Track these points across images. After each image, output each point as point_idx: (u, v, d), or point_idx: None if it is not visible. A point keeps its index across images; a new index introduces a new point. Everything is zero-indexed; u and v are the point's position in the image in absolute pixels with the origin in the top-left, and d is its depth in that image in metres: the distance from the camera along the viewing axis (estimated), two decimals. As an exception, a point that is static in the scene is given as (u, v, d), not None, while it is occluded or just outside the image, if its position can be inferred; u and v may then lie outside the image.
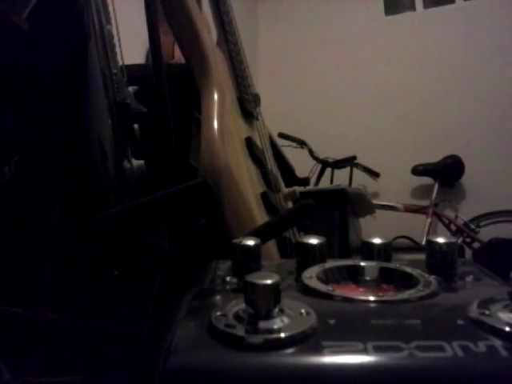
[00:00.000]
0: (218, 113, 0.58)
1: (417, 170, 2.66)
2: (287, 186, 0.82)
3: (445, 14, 2.86)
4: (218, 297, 0.28)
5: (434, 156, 2.62)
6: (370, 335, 0.21)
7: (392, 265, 0.31)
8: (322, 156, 2.46)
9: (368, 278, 0.30)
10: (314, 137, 2.56)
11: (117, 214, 0.38)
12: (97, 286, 0.41)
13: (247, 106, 0.70)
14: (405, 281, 0.29)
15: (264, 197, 0.62)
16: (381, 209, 2.42)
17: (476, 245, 2.38)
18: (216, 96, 0.59)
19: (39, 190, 0.39)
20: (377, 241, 0.33)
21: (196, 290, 0.28)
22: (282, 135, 2.24)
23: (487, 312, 0.23)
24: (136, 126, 0.49)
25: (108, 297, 0.42)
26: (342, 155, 2.45)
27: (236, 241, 0.32)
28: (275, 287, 0.22)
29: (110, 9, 0.47)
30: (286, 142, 2.24)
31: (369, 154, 2.63)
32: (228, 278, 0.30)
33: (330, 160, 2.46)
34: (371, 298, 0.25)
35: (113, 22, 0.47)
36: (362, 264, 0.31)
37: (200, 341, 0.21)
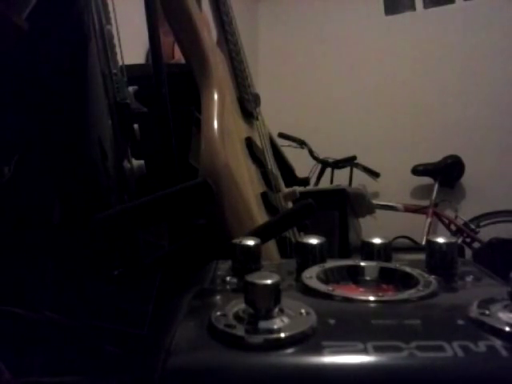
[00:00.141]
0: (218, 113, 0.58)
1: (417, 170, 2.66)
2: (287, 186, 0.82)
3: (445, 14, 2.86)
4: (218, 297, 0.28)
5: (434, 156, 2.62)
6: (369, 335, 0.21)
7: (392, 265, 0.31)
8: (322, 156, 2.46)
9: (368, 278, 0.30)
10: (314, 137, 2.56)
11: (117, 213, 0.38)
12: (97, 285, 0.41)
13: (247, 106, 0.70)
14: (405, 281, 0.29)
15: (264, 197, 0.62)
16: (381, 209, 2.42)
17: (476, 245, 2.38)
18: (216, 96, 0.59)
19: (39, 190, 0.39)
20: (377, 241, 0.33)
21: (196, 290, 0.28)
22: (281, 135, 2.24)
23: (487, 312, 0.23)
24: (136, 126, 0.49)
25: (108, 297, 0.42)
26: (342, 155, 2.45)
27: (236, 241, 0.32)
28: (275, 287, 0.22)
29: (110, 9, 0.47)
30: (286, 142, 2.24)
31: (369, 154, 2.63)
32: (228, 278, 0.30)
33: (330, 160, 2.46)
34: (371, 298, 0.25)
35: (113, 22, 0.47)
36: (362, 264, 0.31)
37: (200, 341, 0.21)
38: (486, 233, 2.35)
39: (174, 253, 0.46)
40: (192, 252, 0.46)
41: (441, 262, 0.31)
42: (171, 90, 0.55)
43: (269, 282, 0.22)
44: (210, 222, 0.53)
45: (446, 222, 2.56)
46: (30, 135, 0.38)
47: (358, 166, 2.47)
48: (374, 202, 2.07)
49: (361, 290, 0.29)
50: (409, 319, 0.23)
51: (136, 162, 0.50)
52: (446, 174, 2.64)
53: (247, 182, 0.58)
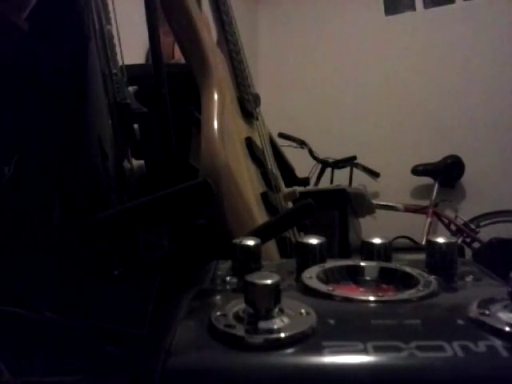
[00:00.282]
0: (218, 113, 0.58)
1: (417, 170, 2.66)
2: (287, 186, 0.82)
3: (445, 14, 2.86)
4: (218, 297, 0.28)
5: (434, 156, 2.62)
6: (369, 335, 0.21)
7: (392, 265, 0.31)
8: (322, 156, 2.46)
9: (368, 278, 0.30)
10: (314, 137, 2.56)
11: (117, 213, 0.38)
12: (97, 285, 0.41)
13: (247, 106, 0.70)
14: (405, 281, 0.29)
15: (264, 197, 0.62)
16: (381, 209, 2.42)
17: (476, 245, 2.38)
18: (216, 96, 0.59)
19: (39, 190, 0.39)
20: (377, 241, 0.33)
21: (196, 290, 0.28)
22: (281, 135, 2.24)
23: (487, 312, 0.23)
24: (136, 126, 0.49)
25: (108, 297, 0.42)
26: (342, 155, 2.45)
27: (236, 241, 0.32)
28: (275, 287, 0.22)
29: (110, 9, 0.47)
30: (286, 142, 2.24)
31: (369, 154, 2.63)
32: (228, 278, 0.30)
33: (330, 160, 2.46)
34: (371, 298, 0.25)
35: (113, 22, 0.47)
36: (362, 264, 0.31)
37: (200, 341, 0.21)
38: (486, 233, 2.35)
39: (174, 253, 0.46)
40: (192, 252, 0.46)
41: (441, 261, 0.31)
42: (171, 90, 0.55)
43: (269, 281, 0.22)
44: (210, 222, 0.53)
45: (446, 221, 2.56)
46: (30, 135, 0.38)
47: (358, 165, 2.47)
48: (374, 202, 2.07)
49: (361, 290, 0.29)
50: (409, 319, 0.23)
51: (136, 162, 0.50)
52: (446, 174, 2.64)
53: (247, 182, 0.58)
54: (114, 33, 0.47)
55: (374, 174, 2.48)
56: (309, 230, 0.68)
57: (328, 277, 0.30)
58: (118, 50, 0.48)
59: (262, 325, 0.21)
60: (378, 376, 0.19)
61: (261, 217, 0.57)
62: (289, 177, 0.91)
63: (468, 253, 2.15)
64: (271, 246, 0.56)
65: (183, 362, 0.20)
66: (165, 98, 0.55)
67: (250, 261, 0.31)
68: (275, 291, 0.22)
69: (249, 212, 0.55)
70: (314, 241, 0.32)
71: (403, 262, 0.31)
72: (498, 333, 0.21)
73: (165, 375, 0.19)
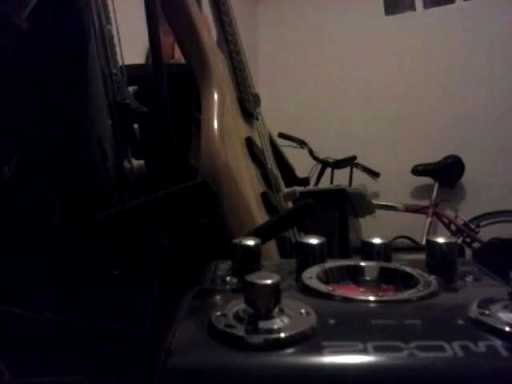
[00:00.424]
0: (218, 113, 0.58)
1: (417, 170, 2.66)
2: (287, 186, 0.82)
3: (445, 14, 2.86)
4: (218, 297, 0.28)
5: (434, 156, 2.62)
6: (370, 335, 0.21)
7: (392, 265, 0.31)
8: (322, 156, 2.46)
9: (368, 278, 0.30)
10: (314, 137, 2.56)
11: (117, 213, 0.38)
12: (97, 286, 0.41)
13: (247, 106, 0.70)
14: (405, 281, 0.29)
15: (264, 197, 0.62)
16: (381, 209, 2.42)
17: (476, 245, 2.38)
18: (216, 96, 0.59)
19: (39, 190, 0.39)
20: (377, 241, 0.33)
21: (196, 290, 0.28)
22: (281, 135, 2.24)
23: (487, 312, 0.23)
24: (136, 126, 0.49)
25: (108, 297, 0.42)
26: (342, 155, 2.45)
27: (236, 241, 0.32)
28: (275, 287, 0.22)
29: (110, 9, 0.47)
30: (286, 142, 2.24)
31: (369, 154, 2.63)
32: (228, 278, 0.30)
33: (330, 160, 2.46)
34: (371, 298, 0.25)
35: (113, 22, 0.47)
36: (362, 264, 0.31)
37: (200, 341, 0.21)
38: (486, 233, 2.35)
39: (174, 253, 0.46)
40: (192, 252, 0.46)
41: (441, 261, 0.31)
42: (171, 90, 0.55)
43: (269, 281, 0.22)
44: (210, 222, 0.53)
45: (446, 221, 2.56)
46: (30, 135, 0.38)
47: (358, 165, 2.47)
48: (374, 202, 2.07)
49: (361, 290, 0.29)
50: (409, 319, 0.23)
51: (136, 162, 0.50)
52: (446, 174, 2.64)
53: (247, 182, 0.58)
54: (114, 33, 0.47)
55: (374, 174, 2.48)
56: (309, 230, 0.68)
57: (328, 277, 0.30)
58: (118, 49, 0.48)
59: (262, 325, 0.21)
60: (378, 376, 0.19)
61: (261, 217, 0.57)
62: (289, 177, 0.91)
63: (468, 253, 2.15)
64: (271, 246, 0.56)
65: (183, 362, 0.20)
66: (165, 98, 0.55)
67: (250, 261, 0.31)
68: (275, 291, 0.22)
69: (249, 212, 0.55)
70: (314, 241, 0.32)
71: (403, 262, 0.31)
72: (498, 333, 0.21)
73: (165, 375, 0.19)
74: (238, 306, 0.23)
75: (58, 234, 0.39)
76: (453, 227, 2.53)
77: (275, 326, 0.21)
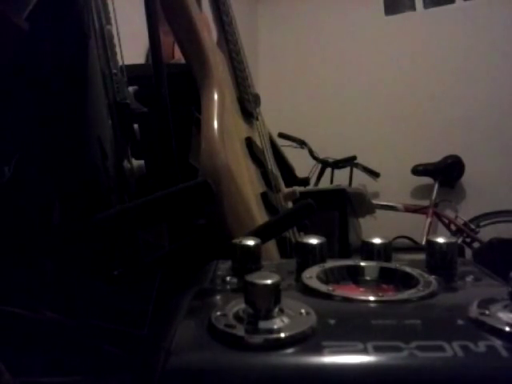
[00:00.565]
0: (218, 113, 0.58)
1: (417, 170, 2.66)
2: (287, 186, 0.82)
3: (445, 14, 2.86)
4: (218, 297, 0.28)
5: (434, 156, 2.62)
6: (370, 335, 0.21)
7: (392, 265, 0.31)
8: (322, 156, 2.46)
9: (368, 278, 0.30)
10: (314, 137, 2.56)
11: (117, 213, 0.38)
12: (97, 286, 0.41)
13: (247, 106, 0.70)
14: (405, 281, 0.29)
15: (264, 197, 0.62)
16: (381, 209, 2.42)
17: (476, 245, 2.38)
18: (216, 96, 0.59)
19: (39, 190, 0.39)
20: (377, 241, 0.33)
21: (196, 290, 0.28)
22: (281, 135, 2.24)
23: (487, 312, 0.23)
24: (136, 126, 0.49)
25: (108, 297, 0.42)
26: (342, 155, 2.45)
27: (236, 241, 0.32)
28: (275, 287, 0.22)
29: (110, 9, 0.47)
30: (286, 142, 2.24)
31: (369, 154, 2.63)
32: (228, 278, 0.30)
33: (330, 160, 2.46)
34: (371, 298, 0.25)
35: (113, 22, 0.47)
36: (362, 264, 0.31)
37: (200, 341, 0.21)
38: (486, 233, 2.35)
39: (174, 253, 0.46)
40: (192, 252, 0.46)
41: (441, 261, 0.31)
42: (171, 90, 0.55)
43: (269, 281, 0.22)
44: (209, 222, 0.53)
45: (446, 221, 2.56)
46: (30, 135, 0.38)
47: (358, 165, 2.47)
48: (374, 202, 2.07)
49: (361, 290, 0.29)
50: (409, 319, 0.23)
51: (136, 162, 0.50)
52: (446, 174, 2.64)
53: (247, 182, 0.58)
54: (114, 33, 0.47)
55: (374, 174, 2.48)
56: (309, 230, 0.68)
57: (328, 277, 0.30)
58: (118, 49, 0.48)
59: (262, 325, 0.21)
60: (378, 376, 0.19)
61: (261, 217, 0.57)
62: (289, 177, 0.91)
63: (468, 253, 2.15)
64: (271, 246, 0.56)
65: (183, 362, 0.20)
66: (165, 98, 0.55)
67: (250, 261, 0.31)
68: (275, 291, 0.22)
69: (249, 212, 0.55)
70: (314, 241, 0.32)
71: (403, 262, 0.31)
72: (498, 333, 0.21)
73: (165, 375, 0.19)
74: (238, 305, 0.23)
75: (58, 234, 0.39)
76: (453, 227, 2.53)
77: (275, 326, 0.21)
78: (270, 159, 0.76)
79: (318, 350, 0.20)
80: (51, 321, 0.36)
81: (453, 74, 2.76)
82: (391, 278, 0.30)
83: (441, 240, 0.31)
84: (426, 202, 2.62)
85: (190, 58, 0.62)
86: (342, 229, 1.14)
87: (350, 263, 0.31)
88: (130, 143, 0.49)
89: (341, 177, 2.39)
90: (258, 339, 0.20)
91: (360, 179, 2.40)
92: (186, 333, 0.22)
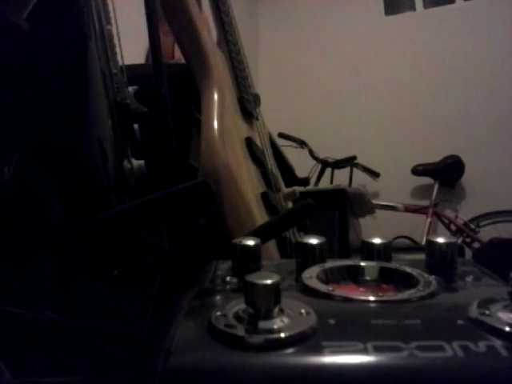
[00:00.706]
0: (218, 113, 0.58)
1: (417, 170, 2.66)
2: (287, 186, 0.82)
3: (445, 14, 2.86)
4: (218, 297, 0.28)
5: (434, 156, 2.62)
6: (370, 335, 0.21)
7: (392, 265, 0.31)
8: (322, 156, 2.46)
9: (368, 278, 0.30)
10: (314, 137, 2.56)
11: (117, 213, 0.38)
12: (97, 286, 0.41)
13: (247, 106, 0.70)
14: (405, 281, 0.29)
15: (264, 197, 0.62)
16: (381, 209, 2.42)
17: (476, 245, 2.38)
18: (216, 96, 0.59)
19: (39, 191, 0.39)
20: (377, 241, 0.33)
21: (196, 290, 0.28)
22: (281, 135, 2.24)
23: (487, 312, 0.23)
24: (136, 125, 0.49)
25: (108, 297, 0.42)
26: (342, 155, 2.45)
27: (236, 241, 0.32)
28: (275, 287, 0.22)
29: (110, 9, 0.47)
30: (286, 142, 2.24)
31: (369, 154, 2.62)
32: (228, 278, 0.30)
33: (330, 160, 2.46)
34: (371, 298, 0.25)
35: (113, 22, 0.47)
36: (362, 264, 0.31)
37: (200, 341, 0.21)
38: (486, 233, 2.35)
39: (174, 253, 0.46)
40: (192, 252, 0.46)
41: (441, 261, 0.31)
42: (171, 90, 0.55)
43: (269, 281, 0.22)
44: (209, 222, 0.53)
45: (446, 221, 2.56)
46: (30, 135, 0.38)
47: (358, 165, 2.47)
48: (374, 202, 2.07)
49: (361, 289, 0.29)
50: (409, 319, 0.23)
51: (136, 162, 0.50)
52: (446, 173, 2.64)
53: (247, 181, 0.58)
54: (114, 33, 0.47)
55: (374, 174, 2.48)
56: (309, 230, 0.68)
57: (328, 277, 0.30)
58: (118, 49, 0.48)
59: (262, 325, 0.21)
60: (378, 376, 0.19)
61: (261, 217, 0.57)
62: (289, 177, 0.91)
63: (468, 253, 2.15)
64: (271, 246, 0.56)
65: (183, 362, 0.20)
66: (165, 98, 0.55)
67: (250, 261, 0.31)
68: (275, 291, 0.22)
69: (249, 212, 0.55)
70: (314, 241, 0.32)
71: (403, 262, 0.31)
72: (498, 333, 0.21)
73: (165, 375, 0.19)
74: (238, 305, 0.23)
75: (58, 234, 0.39)
76: (453, 227, 2.53)
77: (275, 326, 0.21)
78: (269, 159, 0.76)
79: (318, 350, 0.20)
80: (51, 321, 0.36)
81: (453, 74, 2.76)
82: (391, 278, 0.30)
83: (441, 240, 0.31)
84: (425, 202, 2.62)
85: (190, 58, 0.62)
86: (342, 229, 1.14)
87: (350, 263, 0.31)
88: (130, 143, 0.49)
89: (341, 177, 2.39)
90: (258, 339, 0.20)
91: (360, 179, 2.40)
92: (185, 333, 0.22)
